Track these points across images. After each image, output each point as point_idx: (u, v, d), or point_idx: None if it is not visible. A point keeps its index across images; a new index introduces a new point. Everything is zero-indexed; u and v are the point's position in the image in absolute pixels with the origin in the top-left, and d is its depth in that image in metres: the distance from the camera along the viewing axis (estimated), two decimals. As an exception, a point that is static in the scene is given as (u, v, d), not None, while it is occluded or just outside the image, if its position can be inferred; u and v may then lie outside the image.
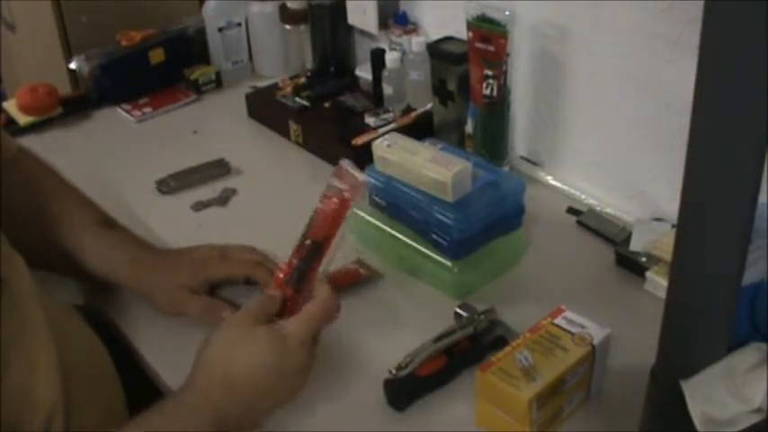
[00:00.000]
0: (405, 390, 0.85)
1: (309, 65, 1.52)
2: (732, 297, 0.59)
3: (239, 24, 1.59)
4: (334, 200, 0.83)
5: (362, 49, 1.49)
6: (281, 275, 0.83)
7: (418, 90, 1.32)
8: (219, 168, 1.29)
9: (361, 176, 0.84)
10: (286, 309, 0.81)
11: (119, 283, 0.99)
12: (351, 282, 1.00)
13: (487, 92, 1.15)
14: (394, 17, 1.38)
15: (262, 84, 1.52)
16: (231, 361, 0.77)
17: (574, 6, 1.09)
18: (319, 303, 0.80)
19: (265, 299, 0.82)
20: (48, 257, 0.97)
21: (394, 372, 0.85)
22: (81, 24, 1.79)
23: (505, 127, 1.21)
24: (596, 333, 0.82)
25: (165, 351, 0.96)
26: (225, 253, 1.00)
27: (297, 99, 1.41)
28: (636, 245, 1.02)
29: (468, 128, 1.21)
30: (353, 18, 1.45)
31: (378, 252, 1.06)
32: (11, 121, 1.43)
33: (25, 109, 1.43)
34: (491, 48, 1.12)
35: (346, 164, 0.84)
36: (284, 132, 1.39)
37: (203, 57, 1.60)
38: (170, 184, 1.26)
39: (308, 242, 0.82)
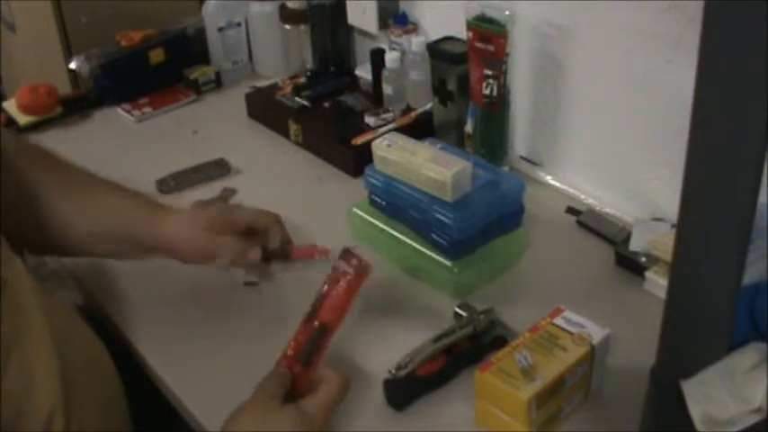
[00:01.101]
0: (404, 390, 0.85)
1: (309, 65, 1.52)
2: (732, 297, 0.59)
3: (239, 24, 1.59)
4: (342, 284, 0.86)
5: (362, 49, 1.49)
6: (290, 352, 0.84)
7: (418, 90, 1.32)
8: (219, 168, 1.29)
9: (367, 260, 0.87)
10: (296, 385, 0.82)
11: (137, 236, 0.94)
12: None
13: (487, 92, 1.15)
14: (394, 17, 1.38)
15: (262, 84, 1.52)
16: None
17: (574, 6, 1.09)
18: (336, 384, 0.80)
19: (279, 376, 0.81)
20: (54, 240, 0.95)
21: (393, 372, 0.85)
22: (81, 24, 1.79)
23: (505, 127, 1.21)
24: (596, 333, 0.82)
25: (165, 351, 0.96)
26: (240, 205, 1.01)
27: (297, 99, 1.41)
28: (635, 245, 1.02)
29: (468, 128, 1.21)
30: (353, 18, 1.45)
31: (378, 252, 1.06)
32: (11, 121, 1.43)
33: (25, 109, 1.44)
34: (491, 48, 1.11)
35: (354, 248, 0.88)
36: (284, 132, 1.39)
37: (203, 57, 1.60)
38: (170, 184, 1.26)
39: (316, 324, 0.84)
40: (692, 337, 0.61)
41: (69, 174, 0.97)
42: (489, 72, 1.13)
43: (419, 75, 1.30)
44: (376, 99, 1.38)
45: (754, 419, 0.58)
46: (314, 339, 0.83)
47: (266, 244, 0.95)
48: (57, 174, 0.96)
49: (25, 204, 0.94)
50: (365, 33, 1.48)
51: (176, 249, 0.94)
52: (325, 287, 0.86)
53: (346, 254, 0.88)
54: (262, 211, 0.97)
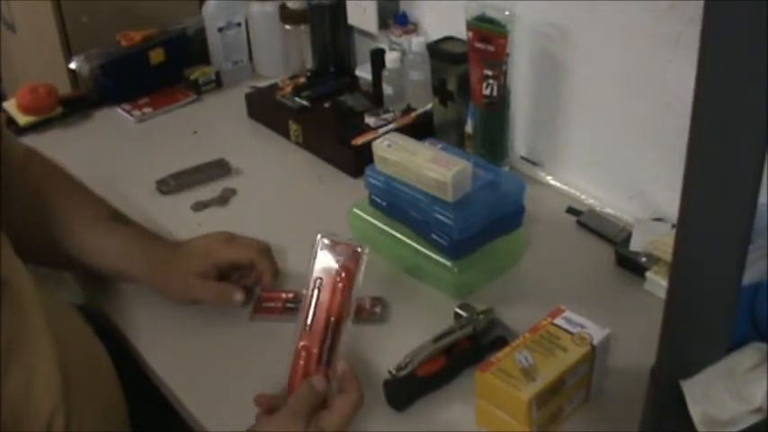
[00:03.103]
0: (404, 390, 0.85)
1: (309, 65, 1.52)
2: (732, 297, 0.59)
3: (239, 24, 1.59)
4: (342, 275, 0.82)
5: (362, 49, 1.49)
6: (301, 362, 0.81)
7: (418, 90, 1.32)
8: (219, 168, 1.29)
9: (355, 242, 0.83)
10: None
11: (133, 279, 1.00)
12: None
13: (487, 92, 1.15)
14: (394, 17, 1.38)
15: (262, 84, 1.52)
16: None
17: (574, 6, 1.09)
18: (353, 400, 0.78)
19: (310, 392, 0.79)
20: (59, 257, 0.97)
21: (393, 372, 0.85)
22: (81, 24, 1.79)
23: (505, 127, 1.21)
24: (596, 333, 0.82)
25: (165, 351, 0.96)
26: (231, 237, 1.01)
27: (297, 99, 1.41)
28: (636, 245, 1.02)
29: (468, 128, 1.21)
30: (353, 18, 1.45)
31: (378, 252, 1.06)
32: (11, 121, 1.43)
33: (25, 109, 1.44)
34: (491, 48, 1.11)
35: (331, 236, 0.83)
36: (284, 132, 1.39)
37: (203, 57, 1.60)
38: (170, 184, 1.26)
39: (332, 319, 0.82)
40: (692, 337, 0.61)
41: (74, 205, 1.00)
42: (489, 72, 1.13)
43: (419, 75, 1.30)
44: (376, 99, 1.38)
45: (754, 419, 0.58)
46: (330, 338, 0.81)
47: (253, 278, 1.00)
48: (66, 203, 0.99)
49: (35, 208, 0.95)
50: (365, 33, 1.48)
51: (162, 290, 0.99)
52: (321, 286, 0.83)
53: (331, 246, 0.83)
54: (247, 246, 1.00)
